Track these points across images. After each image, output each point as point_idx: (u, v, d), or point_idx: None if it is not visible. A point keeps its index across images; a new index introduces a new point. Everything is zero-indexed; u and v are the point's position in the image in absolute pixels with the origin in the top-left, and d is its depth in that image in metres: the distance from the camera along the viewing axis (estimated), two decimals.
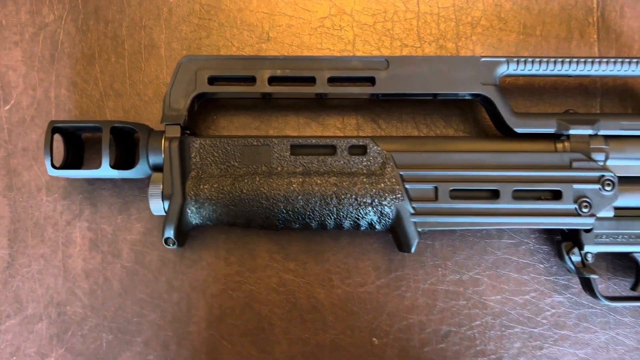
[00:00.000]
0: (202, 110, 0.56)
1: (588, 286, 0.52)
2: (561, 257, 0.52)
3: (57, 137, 0.51)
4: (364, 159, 0.50)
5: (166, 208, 0.49)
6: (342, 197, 0.49)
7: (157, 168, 0.50)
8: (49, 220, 0.55)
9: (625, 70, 0.51)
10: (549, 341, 0.54)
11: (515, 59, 0.51)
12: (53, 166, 0.49)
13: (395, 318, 0.54)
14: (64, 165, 0.51)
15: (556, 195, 0.50)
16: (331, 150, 0.50)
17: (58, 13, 0.57)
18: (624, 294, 0.54)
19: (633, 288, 0.53)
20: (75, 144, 0.54)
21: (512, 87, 0.57)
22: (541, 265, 0.55)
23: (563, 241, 0.52)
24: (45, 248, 0.55)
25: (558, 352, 0.54)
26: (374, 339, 0.54)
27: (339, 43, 0.57)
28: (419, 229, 0.49)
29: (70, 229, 0.55)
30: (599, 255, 0.55)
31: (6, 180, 0.55)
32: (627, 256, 0.52)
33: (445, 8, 0.58)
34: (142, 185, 0.55)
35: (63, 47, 0.56)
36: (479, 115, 0.56)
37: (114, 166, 0.50)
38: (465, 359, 0.54)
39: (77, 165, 0.54)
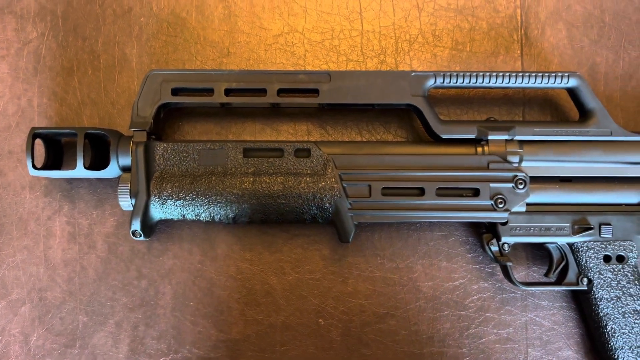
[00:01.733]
0: (168, 117, 0.62)
1: (506, 273, 0.59)
2: (483, 248, 0.59)
3: (39, 142, 0.58)
4: (308, 161, 0.57)
5: (133, 204, 0.56)
6: (288, 194, 0.56)
7: (126, 169, 0.57)
8: (32, 216, 0.62)
9: (544, 83, 0.58)
10: (475, 322, 0.61)
11: (442, 74, 0.58)
12: (34, 167, 0.56)
13: (339, 301, 0.61)
14: (44, 167, 0.58)
15: (475, 193, 0.57)
16: (279, 153, 0.57)
17: (40, 30, 0.63)
18: (541, 280, 0.61)
19: (546, 274, 0.60)
20: (56, 148, 0.60)
21: (445, 97, 0.64)
22: (469, 255, 0.62)
23: (484, 233, 0.59)
24: (28, 240, 0.61)
25: (482, 332, 0.61)
26: (320, 320, 0.61)
27: (291, 58, 0.64)
28: (355, 222, 0.56)
29: (50, 223, 0.62)
30: (520, 246, 0.62)
31: None
32: (541, 246, 0.60)
33: (386, 27, 0.65)
34: (114, 184, 0.62)
35: (45, 61, 0.63)
36: (414, 122, 0.63)
37: (88, 167, 0.57)
38: (401, 338, 0.61)
39: (57, 167, 0.60)
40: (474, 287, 0.62)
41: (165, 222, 0.62)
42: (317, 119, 0.64)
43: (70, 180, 0.62)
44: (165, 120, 0.62)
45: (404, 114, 0.63)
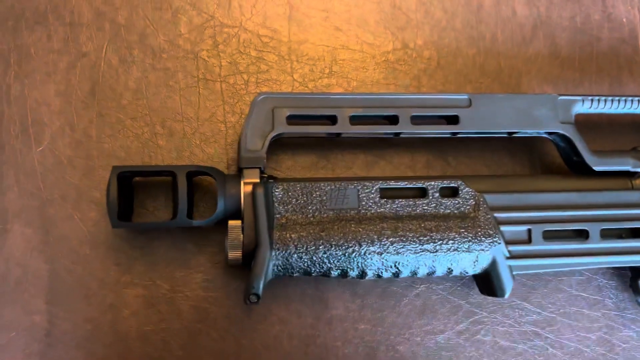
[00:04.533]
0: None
1: None
2: (636, 292, 0.53)
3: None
4: (456, 201, 0.48)
5: (243, 259, 0.44)
6: (439, 243, 0.46)
7: (233, 215, 0.45)
8: (95, 279, 0.48)
9: None
10: None
11: (590, 98, 0.51)
12: (119, 218, 0.43)
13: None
14: (122, 216, 0.45)
15: (635, 233, 0.50)
16: (421, 192, 0.48)
17: (98, 42, 0.50)
18: None
19: None
20: (126, 190, 0.47)
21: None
22: (610, 301, 0.55)
23: (635, 277, 0.52)
24: (92, 311, 0.47)
25: None
26: None
27: (404, 78, 0.55)
28: (514, 272, 0.48)
29: (119, 287, 0.48)
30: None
31: (41, 233, 0.48)
32: None
33: (504, 43, 0.57)
34: (197, 236, 0.49)
35: (105, 80, 0.50)
36: (543, 152, 0.56)
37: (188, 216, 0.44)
38: None
39: (128, 214, 0.47)
40: (618, 335, 0.55)
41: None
42: (436, 149, 0.55)
43: (142, 231, 0.49)
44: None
45: (531, 142, 0.56)
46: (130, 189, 0.48)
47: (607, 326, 0.55)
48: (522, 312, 0.54)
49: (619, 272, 0.55)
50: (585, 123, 0.57)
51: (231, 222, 0.45)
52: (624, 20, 0.60)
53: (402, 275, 0.47)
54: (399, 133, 0.49)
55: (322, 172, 0.53)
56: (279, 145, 0.52)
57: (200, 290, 0.49)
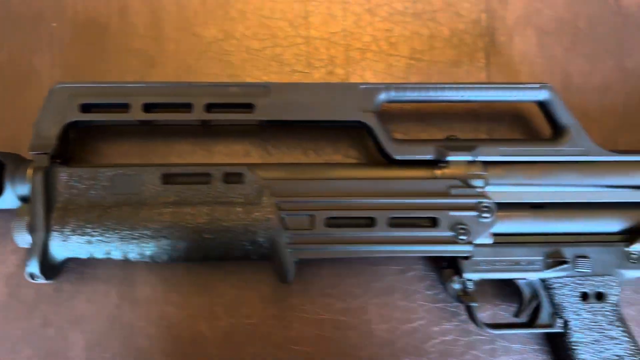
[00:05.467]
0: (84, 138, 0.54)
1: (470, 314, 0.51)
2: (444, 285, 0.52)
3: None
4: (240, 188, 0.49)
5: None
6: (215, 227, 0.47)
7: (25, 199, 0.48)
8: None
9: (511, 96, 0.51)
10: None
11: (395, 86, 0.50)
12: None
13: (280, 349, 0.53)
14: None
15: (433, 223, 0.49)
16: (205, 178, 0.49)
17: None
18: (510, 321, 0.54)
19: (516, 314, 0.52)
20: None
21: (402, 113, 0.56)
22: (429, 292, 0.54)
23: (445, 268, 0.51)
24: None
25: None
26: None
27: (227, 68, 0.56)
28: (295, 259, 0.48)
29: None
30: (486, 282, 0.54)
31: None
32: (511, 282, 0.52)
33: (335, 33, 0.57)
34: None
35: None
36: (368, 142, 0.55)
37: None
38: None
39: None
40: (435, 329, 0.54)
41: (77, 259, 0.52)
42: (256, 138, 0.56)
43: None
44: (79, 143, 0.54)
45: (356, 132, 0.56)
46: None
47: (424, 318, 0.54)
48: (332, 300, 0.54)
49: (440, 263, 0.54)
50: (414, 112, 0.56)
51: (20, 206, 0.48)
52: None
53: (186, 259, 0.49)
54: (198, 120, 0.50)
55: (138, 160, 0.55)
56: (99, 135, 0.55)
57: (14, 268, 0.53)
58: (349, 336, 0.53)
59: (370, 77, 0.57)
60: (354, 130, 0.55)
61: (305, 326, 0.53)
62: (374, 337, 0.53)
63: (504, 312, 0.54)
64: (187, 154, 0.55)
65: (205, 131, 0.55)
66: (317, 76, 0.57)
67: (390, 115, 0.56)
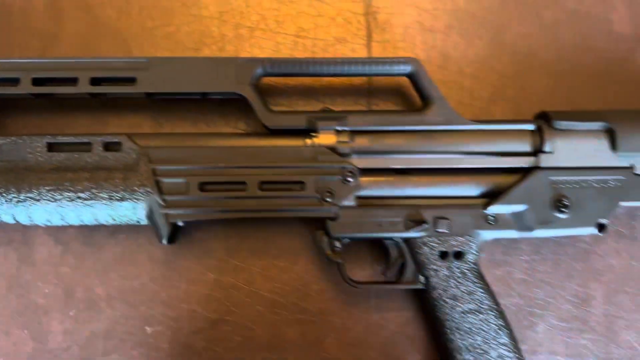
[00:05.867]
0: None
1: (339, 271, 0.55)
2: (317, 245, 0.55)
3: None
4: (119, 155, 0.52)
5: None
6: (95, 192, 0.51)
7: None
8: None
9: (378, 70, 0.54)
10: (317, 326, 0.57)
11: (271, 60, 0.54)
12: None
13: (168, 307, 0.57)
14: None
15: (301, 187, 0.53)
16: (87, 147, 0.53)
17: None
18: (378, 279, 0.57)
19: (384, 273, 0.56)
20: None
21: (287, 88, 0.60)
22: (311, 253, 0.58)
23: (318, 229, 0.55)
24: None
25: (325, 336, 0.57)
26: (147, 327, 0.57)
27: (123, 46, 0.60)
28: (171, 221, 0.52)
29: None
30: (365, 245, 0.58)
31: None
32: (381, 243, 0.56)
33: (225, 12, 0.61)
34: None
35: None
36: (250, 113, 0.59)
37: None
38: (235, 345, 0.57)
39: None
40: (315, 287, 0.58)
41: None
42: (150, 111, 0.59)
43: None
44: None
45: (244, 105, 0.59)
46: None
47: (303, 278, 0.58)
48: (218, 262, 0.58)
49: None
50: (300, 87, 0.60)
51: None
52: None
53: (70, 222, 0.53)
54: (82, 93, 0.53)
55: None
56: (4, 109, 0.58)
57: None
58: (233, 295, 0.57)
59: (258, 54, 0.60)
60: (242, 103, 0.59)
61: (192, 285, 0.57)
62: (257, 296, 0.57)
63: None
64: (83, 127, 0.59)
65: (106, 106, 0.59)
66: (208, 53, 0.60)
67: (276, 90, 0.60)
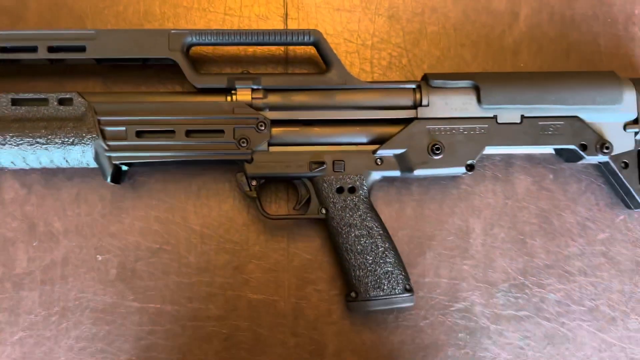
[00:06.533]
0: None
1: (256, 206, 0.67)
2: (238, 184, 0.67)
3: None
4: (71, 109, 0.64)
5: None
6: (50, 137, 0.62)
7: None
8: None
9: (289, 39, 0.65)
10: (241, 254, 0.69)
11: (198, 31, 0.66)
12: None
13: (116, 239, 0.68)
14: None
15: (222, 135, 0.64)
16: (45, 102, 0.64)
17: None
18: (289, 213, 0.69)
19: (295, 207, 0.68)
20: None
21: (217, 57, 0.71)
22: (236, 193, 0.70)
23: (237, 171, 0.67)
24: None
25: (247, 263, 0.69)
26: (98, 255, 0.68)
27: (78, 23, 0.71)
28: (114, 162, 0.63)
29: None
30: (281, 187, 0.70)
31: None
32: (292, 183, 0.68)
33: None
34: None
35: None
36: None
37: None
38: (172, 270, 0.68)
39: None
40: (240, 222, 0.69)
41: None
42: (100, 77, 0.71)
43: None
44: None
45: (178, 70, 0.70)
46: None
47: (230, 214, 0.69)
48: (157, 203, 0.69)
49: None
50: (229, 58, 0.72)
51: None
52: None
53: (31, 165, 0.64)
54: (41, 59, 0.65)
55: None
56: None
57: None
58: (170, 229, 0.69)
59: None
60: (176, 68, 0.70)
61: (136, 220, 0.69)
62: (190, 230, 0.69)
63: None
64: (43, 90, 0.70)
65: (58, 71, 0.70)
66: (151, 28, 0.72)
67: (208, 58, 0.71)
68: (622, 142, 0.67)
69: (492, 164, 0.72)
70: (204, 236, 0.69)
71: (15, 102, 0.64)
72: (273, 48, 0.72)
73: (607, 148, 0.66)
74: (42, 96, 0.64)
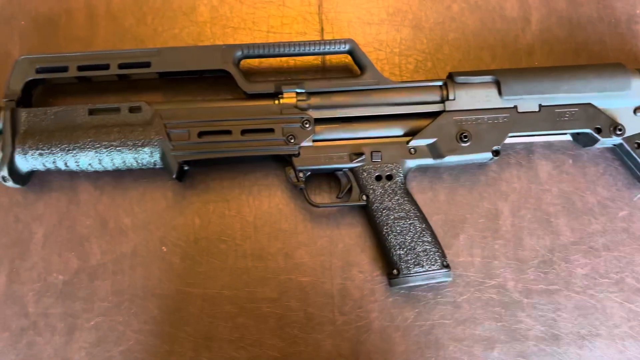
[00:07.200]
0: (44, 95, 0.78)
1: (304, 195, 0.74)
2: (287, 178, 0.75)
3: None
4: (140, 115, 0.73)
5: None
6: (123, 140, 0.71)
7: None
8: None
9: (327, 49, 0.75)
10: (291, 239, 0.76)
11: (247, 45, 0.75)
12: None
13: (178, 232, 0.76)
14: None
15: (272, 133, 0.73)
16: (117, 111, 0.73)
17: None
18: (332, 201, 0.76)
19: (338, 196, 0.75)
20: None
21: (269, 70, 0.81)
22: (284, 186, 0.77)
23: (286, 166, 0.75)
24: None
25: (297, 247, 0.76)
26: (163, 247, 0.76)
27: (140, 45, 0.81)
28: (178, 160, 0.72)
29: None
30: (324, 179, 0.77)
31: None
32: (334, 175, 0.75)
33: (215, 17, 0.82)
34: None
35: None
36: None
37: None
38: (229, 257, 0.75)
39: None
40: (288, 212, 0.77)
41: (38, 177, 0.77)
42: (161, 90, 0.80)
43: None
44: (41, 98, 0.78)
45: (230, 81, 0.79)
46: None
47: (280, 206, 0.77)
48: (215, 197, 0.77)
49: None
50: (277, 69, 0.81)
51: None
52: None
53: (106, 167, 0.73)
54: (115, 75, 0.75)
55: None
56: (54, 92, 0.79)
57: None
58: (226, 221, 0.76)
59: None
60: (228, 79, 0.79)
61: (195, 215, 0.77)
62: (244, 221, 0.76)
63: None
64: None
65: (127, 87, 0.80)
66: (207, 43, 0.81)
67: (255, 71, 0.80)
68: (633, 125, 0.73)
69: (515, 152, 0.79)
70: (257, 226, 0.76)
71: (91, 112, 0.73)
72: (311, 59, 0.81)
73: (620, 130, 0.73)
74: (115, 106, 0.74)
